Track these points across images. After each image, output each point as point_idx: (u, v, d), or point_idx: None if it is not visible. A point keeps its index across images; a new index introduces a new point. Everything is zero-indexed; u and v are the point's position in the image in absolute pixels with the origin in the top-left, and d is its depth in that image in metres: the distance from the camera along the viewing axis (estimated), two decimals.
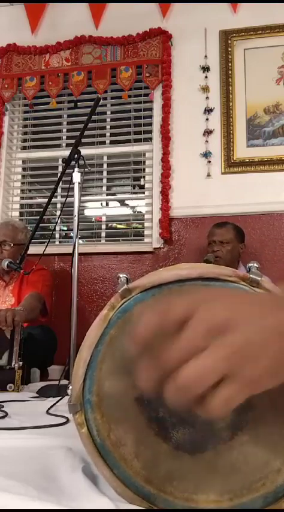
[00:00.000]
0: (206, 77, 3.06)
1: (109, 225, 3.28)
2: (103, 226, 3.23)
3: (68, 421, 1.05)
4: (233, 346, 0.35)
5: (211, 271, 0.50)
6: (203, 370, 0.34)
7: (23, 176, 3.38)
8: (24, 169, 3.38)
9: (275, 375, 0.36)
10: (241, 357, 0.35)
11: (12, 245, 2.42)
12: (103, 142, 3.26)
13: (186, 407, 0.36)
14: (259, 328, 0.36)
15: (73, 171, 1.87)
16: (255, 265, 0.51)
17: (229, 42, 3.06)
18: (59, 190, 3.05)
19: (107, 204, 3.29)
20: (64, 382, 1.57)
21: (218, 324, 0.36)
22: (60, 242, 3.27)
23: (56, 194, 2.38)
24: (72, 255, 1.82)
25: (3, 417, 1.11)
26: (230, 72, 3.03)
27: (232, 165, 2.95)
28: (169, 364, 0.35)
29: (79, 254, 2.02)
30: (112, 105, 3.26)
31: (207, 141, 2.99)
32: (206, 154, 2.98)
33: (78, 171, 1.87)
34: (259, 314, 0.37)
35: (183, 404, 0.35)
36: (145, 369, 0.37)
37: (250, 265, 0.51)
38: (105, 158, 3.25)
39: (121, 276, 0.53)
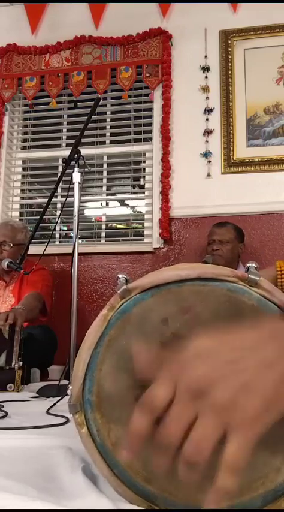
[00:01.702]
0: (206, 77, 3.06)
1: (109, 225, 3.28)
2: (103, 226, 3.23)
3: (67, 421, 1.05)
4: (218, 404, 0.35)
5: (210, 271, 0.50)
6: (202, 441, 0.35)
7: (23, 176, 3.38)
8: (24, 169, 3.38)
9: (274, 408, 0.36)
10: (231, 409, 0.35)
11: (11, 245, 2.42)
12: (103, 142, 3.26)
13: (202, 475, 0.36)
14: (240, 371, 0.36)
15: (73, 171, 1.87)
16: (253, 265, 0.51)
17: (229, 42, 3.06)
18: (59, 190, 3.06)
19: (107, 204, 3.29)
20: (64, 382, 1.57)
21: (198, 387, 0.36)
22: (60, 242, 3.27)
23: (56, 194, 2.38)
24: (72, 255, 1.82)
25: (3, 417, 1.11)
26: (230, 72, 3.03)
27: (232, 165, 2.95)
28: (172, 440, 0.36)
29: (79, 254, 2.02)
30: (112, 105, 3.26)
31: (207, 141, 3.00)
32: (206, 154, 2.98)
33: (78, 171, 1.87)
34: (239, 355, 0.37)
35: (199, 476, 0.36)
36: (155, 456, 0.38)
37: (248, 265, 0.51)
38: (105, 158, 3.26)
39: (120, 276, 0.54)
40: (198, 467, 0.36)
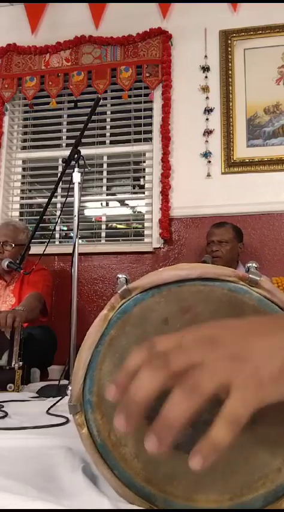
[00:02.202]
0: (206, 77, 3.06)
1: (109, 225, 3.28)
2: (103, 226, 3.23)
3: (67, 421, 1.05)
4: (228, 352, 0.35)
5: (211, 271, 0.50)
6: (203, 380, 0.34)
7: (23, 176, 3.38)
8: (24, 169, 3.38)
9: (280, 383, 0.35)
10: (240, 361, 0.34)
11: (13, 245, 2.42)
12: (103, 142, 3.26)
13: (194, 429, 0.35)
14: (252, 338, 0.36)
15: (73, 171, 1.87)
16: (254, 265, 0.51)
17: (229, 42, 3.06)
18: (59, 190, 3.06)
19: (107, 204, 3.29)
20: (64, 382, 1.57)
21: (207, 337, 0.36)
22: (60, 242, 3.27)
23: (56, 194, 2.38)
24: (72, 255, 1.81)
25: (3, 417, 1.11)
26: (230, 72, 3.03)
27: (232, 165, 2.95)
28: (172, 367, 0.35)
29: (79, 254, 2.02)
30: (112, 105, 3.26)
31: (207, 141, 3.00)
32: (206, 154, 2.98)
33: (78, 171, 1.87)
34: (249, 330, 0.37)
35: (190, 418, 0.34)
36: (146, 372, 0.35)
37: (248, 265, 0.51)
38: (105, 158, 3.26)
39: (120, 276, 0.54)
40: (190, 408, 0.33)
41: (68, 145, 3.27)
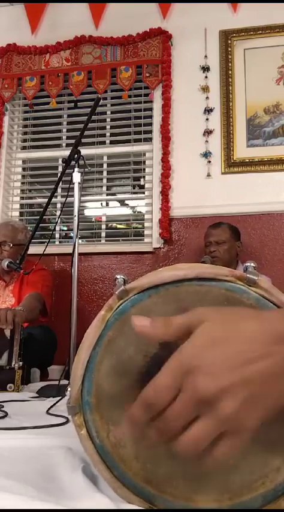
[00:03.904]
0: (206, 77, 3.06)
1: (109, 225, 3.29)
2: (103, 226, 3.23)
3: (67, 421, 1.05)
4: (222, 415, 0.37)
5: (208, 271, 0.50)
6: (200, 440, 0.37)
7: (23, 176, 3.38)
8: (24, 169, 3.38)
9: (270, 412, 0.38)
10: (233, 420, 0.37)
11: (11, 245, 2.42)
12: (103, 142, 3.26)
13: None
14: (248, 381, 0.37)
15: (73, 171, 1.87)
16: (252, 264, 0.51)
17: (229, 42, 3.06)
18: (59, 190, 3.06)
19: (107, 204, 3.29)
20: (64, 382, 1.57)
21: (206, 396, 0.37)
22: (60, 242, 3.27)
23: (56, 194, 2.38)
24: (72, 255, 1.82)
25: (3, 417, 1.11)
26: (230, 72, 3.03)
27: (232, 165, 2.95)
28: (168, 432, 0.39)
29: (79, 254, 2.02)
30: (112, 105, 3.26)
31: (207, 141, 3.00)
32: (206, 154, 2.98)
33: (78, 171, 1.87)
34: (250, 356, 0.37)
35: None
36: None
37: (246, 264, 0.51)
38: (105, 158, 3.26)
39: (118, 277, 0.53)
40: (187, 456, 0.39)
41: (68, 145, 3.27)
